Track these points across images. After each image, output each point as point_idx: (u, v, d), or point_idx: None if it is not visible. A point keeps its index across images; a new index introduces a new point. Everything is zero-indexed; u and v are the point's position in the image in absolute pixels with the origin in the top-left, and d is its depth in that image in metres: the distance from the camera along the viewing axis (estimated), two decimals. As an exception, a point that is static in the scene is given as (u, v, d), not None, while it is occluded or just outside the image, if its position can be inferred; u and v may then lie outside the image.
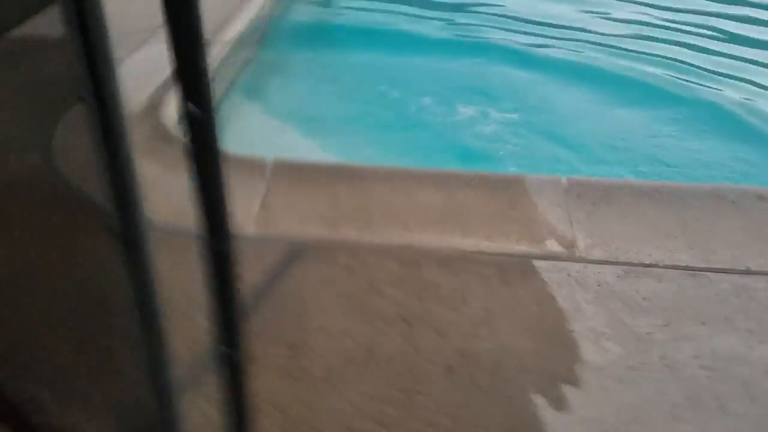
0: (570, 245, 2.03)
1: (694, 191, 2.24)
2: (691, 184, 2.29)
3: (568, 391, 1.57)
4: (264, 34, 4.15)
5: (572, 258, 1.98)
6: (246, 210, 2.10)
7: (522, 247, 2.02)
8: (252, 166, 2.28)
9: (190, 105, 0.76)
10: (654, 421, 1.50)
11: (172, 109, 2.60)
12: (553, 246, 2.03)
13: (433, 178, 2.26)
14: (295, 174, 2.29)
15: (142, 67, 2.94)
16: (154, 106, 2.66)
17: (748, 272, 1.94)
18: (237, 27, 3.72)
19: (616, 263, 1.96)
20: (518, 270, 1.93)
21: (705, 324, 1.75)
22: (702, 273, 1.93)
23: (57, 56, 3.27)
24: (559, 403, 1.53)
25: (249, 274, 1.84)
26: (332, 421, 1.45)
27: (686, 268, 1.95)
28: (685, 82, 3.92)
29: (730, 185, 2.34)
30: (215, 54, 3.30)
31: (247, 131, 3.10)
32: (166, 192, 1.98)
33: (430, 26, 4.77)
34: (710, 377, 1.60)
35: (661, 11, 4.88)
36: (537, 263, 1.96)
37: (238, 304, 0.96)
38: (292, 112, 3.61)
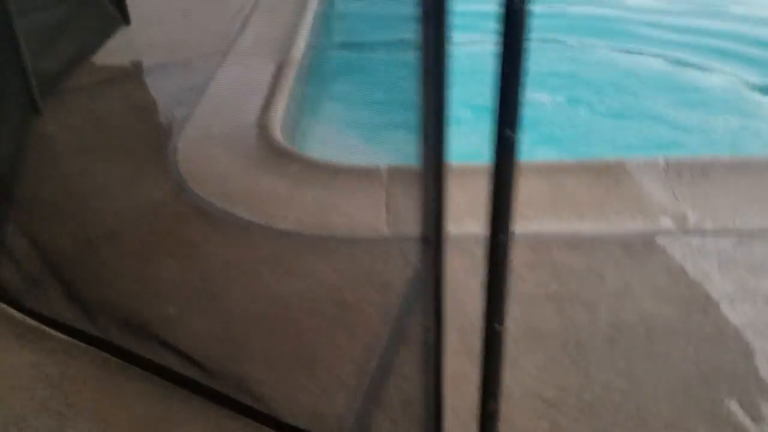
0: (682, 219, 2.19)
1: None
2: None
3: (714, 347, 1.72)
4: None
5: (688, 231, 2.14)
6: (376, 215, 2.26)
7: (639, 225, 2.19)
8: (369, 175, 2.44)
9: (507, 131, 0.95)
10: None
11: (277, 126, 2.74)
12: (666, 222, 2.19)
13: (534, 169, 2.43)
14: (406, 177, 2.45)
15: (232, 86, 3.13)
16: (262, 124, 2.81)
17: None
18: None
19: (729, 232, 2.12)
20: (642, 245, 2.09)
21: None
22: (812, 235, 2.09)
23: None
24: (714, 359, 1.69)
25: (399, 269, 2.01)
26: (520, 392, 1.61)
27: None
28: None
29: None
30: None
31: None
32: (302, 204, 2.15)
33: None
34: None
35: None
36: (658, 238, 2.12)
37: (507, 288, 1.13)
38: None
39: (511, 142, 0.96)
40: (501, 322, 1.14)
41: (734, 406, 1.56)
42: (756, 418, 1.53)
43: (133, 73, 3.56)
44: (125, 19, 4.31)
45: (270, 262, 2.03)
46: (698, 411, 1.55)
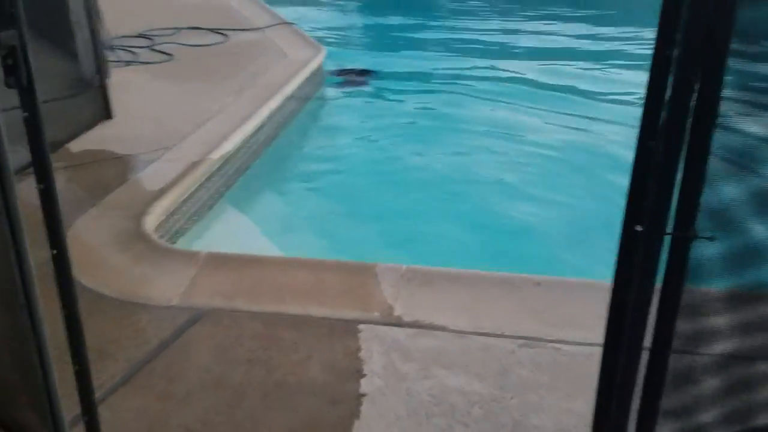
0: (388, 314, 2.89)
1: (489, 277, 3.08)
2: (488, 272, 3.12)
3: (343, 402, 2.41)
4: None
5: (384, 322, 2.84)
6: (175, 287, 3.08)
7: (355, 314, 2.90)
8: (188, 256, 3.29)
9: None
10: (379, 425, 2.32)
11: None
12: (375, 314, 2.90)
13: (307, 265, 3.20)
14: (217, 262, 3.28)
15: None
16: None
17: (501, 335, 2.74)
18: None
19: (412, 326, 2.81)
20: (344, 329, 2.80)
21: (447, 368, 2.56)
22: (466, 335, 2.74)
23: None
24: (342, 412, 2.38)
25: (159, 331, 2.80)
26: (177, 421, 2.35)
27: (458, 331, 2.77)
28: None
29: (518, 274, 3.13)
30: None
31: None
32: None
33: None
34: (431, 402, 2.41)
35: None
36: (360, 326, 2.83)
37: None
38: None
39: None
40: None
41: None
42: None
43: (84, 162, 4.59)
44: (108, 114, 5.45)
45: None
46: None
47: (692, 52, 1.28)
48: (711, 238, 1.46)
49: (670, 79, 1.35)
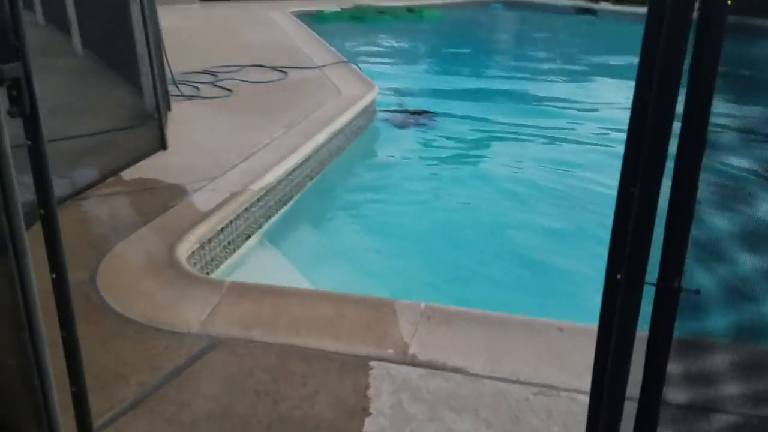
0: (402, 352, 2.85)
1: (510, 320, 2.99)
2: (510, 315, 3.03)
3: (340, 446, 2.37)
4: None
5: (397, 360, 2.79)
6: (197, 315, 3.14)
7: (368, 350, 2.87)
8: (213, 284, 3.35)
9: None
10: (383, 470, 2.26)
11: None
12: (389, 352, 2.85)
13: (328, 297, 3.20)
14: (240, 291, 3.33)
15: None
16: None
17: (516, 382, 2.64)
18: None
19: (425, 366, 2.75)
20: (355, 365, 2.77)
21: (456, 412, 2.49)
22: (481, 379, 2.66)
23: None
24: (328, 453, 2.34)
25: (174, 357, 2.85)
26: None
27: (472, 374, 2.69)
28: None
29: (541, 318, 3.02)
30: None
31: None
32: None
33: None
34: (433, 446, 2.34)
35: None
36: (372, 362, 2.79)
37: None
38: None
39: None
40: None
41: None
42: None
43: (133, 190, 4.79)
44: (163, 144, 5.68)
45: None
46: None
47: (667, 96, 1.24)
48: (697, 291, 1.38)
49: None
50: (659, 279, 1.38)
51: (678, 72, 1.23)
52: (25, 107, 1.58)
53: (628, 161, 1.34)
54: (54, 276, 1.77)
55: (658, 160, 1.29)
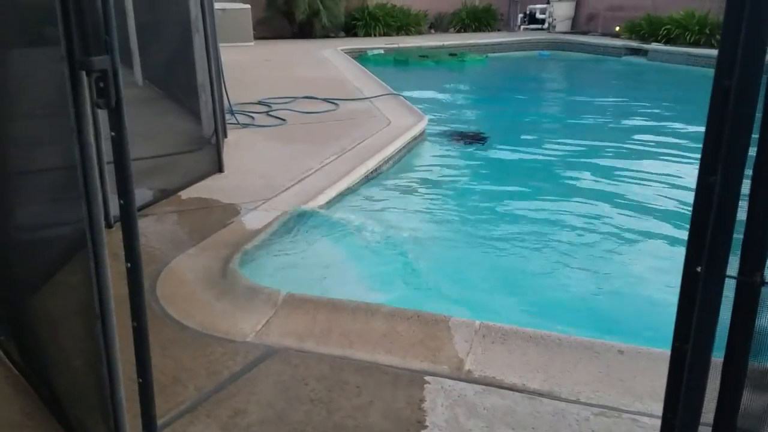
0: (457, 368, 2.81)
1: (568, 341, 2.92)
2: (568, 336, 2.96)
3: (394, 457, 2.33)
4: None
5: (452, 377, 2.75)
6: (252, 324, 3.17)
7: (423, 365, 2.84)
8: (269, 295, 3.39)
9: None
10: (439, 482, 2.22)
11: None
12: (444, 367, 2.82)
13: (381, 311, 3.19)
14: (294, 303, 3.35)
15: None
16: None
17: (576, 402, 2.57)
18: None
19: (481, 383, 2.70)
20: (408, 379, 2.75)
21: (514, 429, 2.43)
22: (539, 398, 2.60)
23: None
24: (383, 463, 2.31)
25: (230, 364, 2.88)
26: (236, 450, 2.37)
27: (530, 392, 2.63)
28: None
29: (600, 340, 2.94)
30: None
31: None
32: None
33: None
34: (491, 460, 2.28)
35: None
36: (426, 377, 2.76)
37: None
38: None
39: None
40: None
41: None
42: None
43: (190, 209, 4.91)
44: (220, 168, 5.84)
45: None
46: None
47: (751, 81, 1.22)
48: (781, 285, 1.34)
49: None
50: (740, 273, 1.34)
51: (761, 58, 1.22)
52: (110, 99, 1.65)
53: (708, 150, 1.31)
54: (129, 266, 1.82)
55: (739, 150, 1.27)
